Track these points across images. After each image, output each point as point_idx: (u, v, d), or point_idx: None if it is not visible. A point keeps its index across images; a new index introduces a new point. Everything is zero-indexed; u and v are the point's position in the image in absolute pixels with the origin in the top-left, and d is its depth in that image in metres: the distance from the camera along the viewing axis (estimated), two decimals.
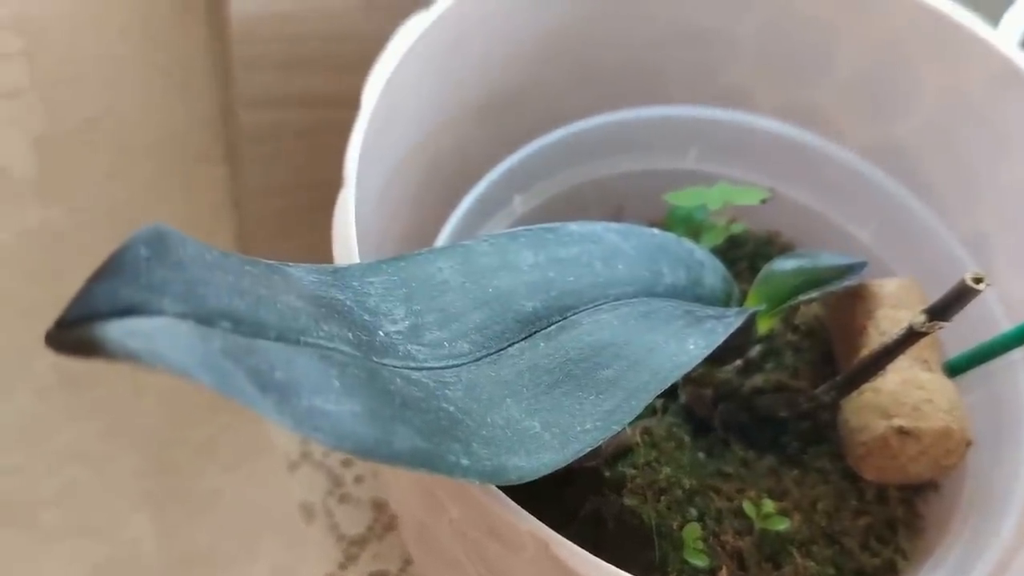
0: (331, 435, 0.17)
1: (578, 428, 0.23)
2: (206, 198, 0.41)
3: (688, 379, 0.35)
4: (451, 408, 0.22)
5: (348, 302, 0.23)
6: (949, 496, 0.34)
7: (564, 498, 0.32)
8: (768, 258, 0.35)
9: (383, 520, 0.41)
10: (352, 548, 0.41)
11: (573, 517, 0.31)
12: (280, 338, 0.19)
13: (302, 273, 0.23)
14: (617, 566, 0.31)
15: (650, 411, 0.34)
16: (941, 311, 0.26)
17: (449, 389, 0.23)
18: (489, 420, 0.23)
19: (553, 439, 0.23)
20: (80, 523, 0.39)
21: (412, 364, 0.23)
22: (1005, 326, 0.34)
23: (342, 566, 0.40)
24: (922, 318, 0.27)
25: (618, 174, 0.38)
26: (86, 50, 0.40)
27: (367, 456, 0.17)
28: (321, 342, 0.20)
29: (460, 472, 0.20)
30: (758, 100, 0.39)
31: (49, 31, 0.41)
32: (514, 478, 0.21)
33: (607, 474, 0.32)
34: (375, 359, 0.21)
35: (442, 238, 0.34)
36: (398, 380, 0.21)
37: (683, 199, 0.35)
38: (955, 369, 0.34)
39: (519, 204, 0.37)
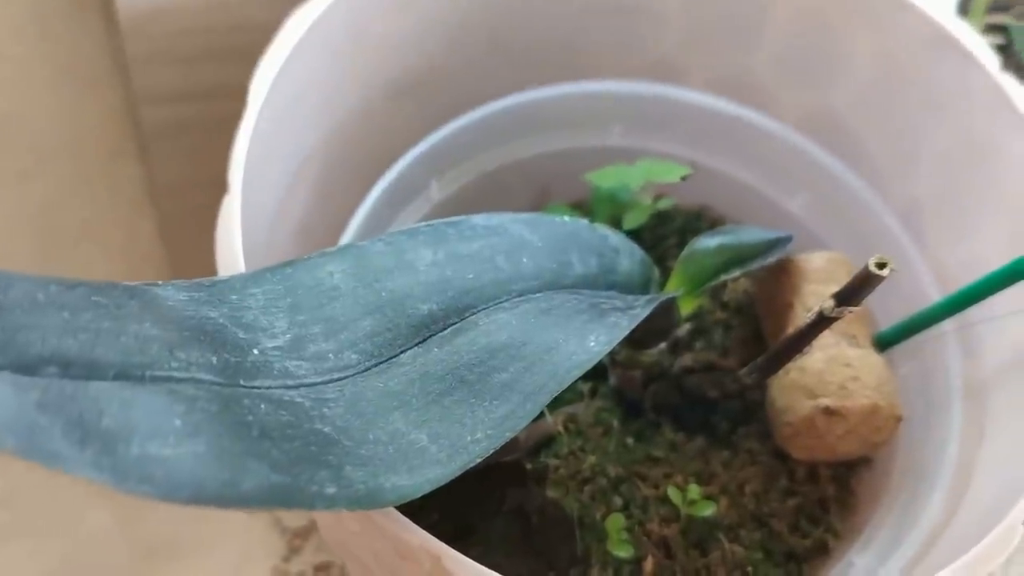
0: (163, 485, 0.16)
1: (468, 438, 0.23)
2: (125, 195, 0.40)
3: (615, 362, 0.34)
4: (326, 429, 0.21)
5: (221, 320, 0.22)
6: (882, 471, 0.33)
7: (490, 491, 0.31)
8: (698, 233, 0.34)
9: None
10: (295, 540, 0.40)
11: (499, 511, 0.31)
12: (120, 376, 0.18)
13: (171, 292, 0.22)
14: (541, 560, 0.31)
15: (577, 396, 0.34)
16: (848, 296, 0.25)
17: (328, 407, 0.22)
18: (371, 437, 0.22)
19: (440, 451, 0.22)
20: (39, 521, 0.38)
21: (289, 382, 0.22)
22: (936, 296, 0.34)
23: (285, 559, 0.40)
24: (831, 303, 0.26)
25: (541, 154, 0.37)
26: None
27: (210, 503, 0.17)
28: (173, 374, 0.19)
29: (324, 503, 0.19)
30: (687, 73, 0.37)
31: None
32: (392, 499, 0.21)
33: (529, 466, 0.32)
34: (242, 383, 0.21)
35: (349, 232, 0.33)
36: (263, 406, 0.20)
37: (604, 178, 0.34)
38: (885, 342, 0.33)
39: (436, 190, 0.36)
